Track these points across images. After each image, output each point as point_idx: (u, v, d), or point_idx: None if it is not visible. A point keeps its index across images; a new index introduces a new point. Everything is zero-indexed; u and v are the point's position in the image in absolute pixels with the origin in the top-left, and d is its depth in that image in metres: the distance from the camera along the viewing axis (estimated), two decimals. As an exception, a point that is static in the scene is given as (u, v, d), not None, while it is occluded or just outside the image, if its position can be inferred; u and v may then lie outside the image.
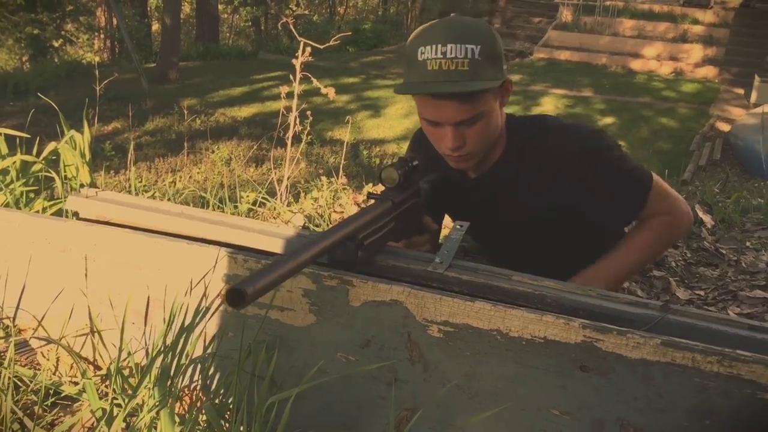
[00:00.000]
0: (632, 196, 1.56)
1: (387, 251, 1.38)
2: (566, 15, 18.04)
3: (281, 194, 3.81)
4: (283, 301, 1.20)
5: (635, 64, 15.77)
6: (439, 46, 1.35)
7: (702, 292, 2.31)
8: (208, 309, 1.21)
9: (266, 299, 1.20)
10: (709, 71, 15.12)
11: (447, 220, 1.91)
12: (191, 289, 1.23)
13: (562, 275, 1.62)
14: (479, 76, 1.36)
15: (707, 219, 2.95)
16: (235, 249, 1.28)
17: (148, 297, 1.29)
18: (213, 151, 10.21)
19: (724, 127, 11.90)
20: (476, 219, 1.67)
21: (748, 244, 2.74)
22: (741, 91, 13.75)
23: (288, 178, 4.07)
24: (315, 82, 4.07)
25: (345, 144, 7.90)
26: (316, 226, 3.06)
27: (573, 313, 1.20)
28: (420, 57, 1.37)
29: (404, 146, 11.73)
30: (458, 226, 1.45)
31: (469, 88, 1.36)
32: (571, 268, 1.65)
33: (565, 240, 1.65)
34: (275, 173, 4.23)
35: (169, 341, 1.17)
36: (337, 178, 3.93)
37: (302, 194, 3.80)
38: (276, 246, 1.47)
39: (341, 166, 4.35)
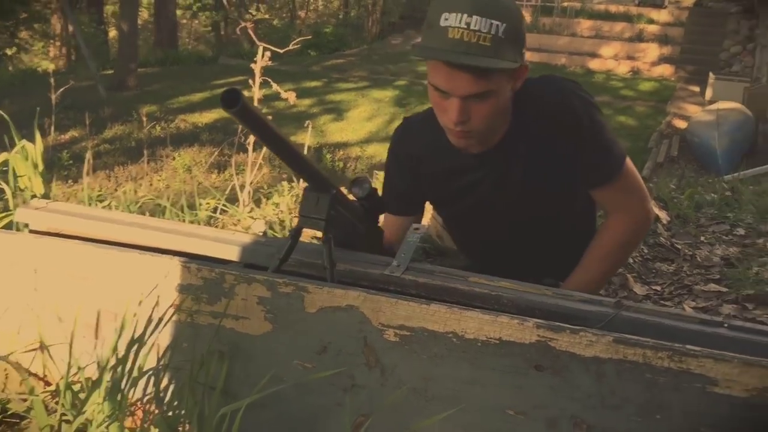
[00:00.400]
0: (603, 166, 1.55)
1: (344, 257, 1.37)
2: (525, 16, 18.22)
3: (243, 200, 3.77)
4: (237, 310, 1.18)
5: (593, 64, 15.98)
6: (465, 15, 1.31)
7: (659, 287, 2.35)
8: (161, 320, 1.19)
9: (220, 308, 1.18)
10: (666, 69, 15.40)
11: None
12: (143, 301, 1.21)
13: (550, 266, 1.63)
14: (499, 55, 1.33)
15: (663, 215, 3.01)
16: (190, 258, 1.26)
17: (99, 310, 1.27)
18: (174, 158, 10.09)
19: (681, 124, 12.13)
20: (472, 199, 1.64)
21: (702, 238, 2.80)
22: (696, 89, 14.02)
23: (250, 184, 4.03)
24: (275, 87, 4.05)
25: (307, 148, 7.85)
26: (279, 230, 3.03)
27: (529, 312, 1.21)
28: (443, 23, 1.33)
29: (368, 149, 11.80)
30: (415, 229, 1.45)
31: (488, 65, 1.33)
32: (558, 259, 1.65)
33: (555, 227, 1.65)
34: (238, 179, 4.19)
35: (121, 354, 1.14)
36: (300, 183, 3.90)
37: (264, 200, 3.77)
38: (231, 253, 1.45)
39: (303, 171, 4.32)
